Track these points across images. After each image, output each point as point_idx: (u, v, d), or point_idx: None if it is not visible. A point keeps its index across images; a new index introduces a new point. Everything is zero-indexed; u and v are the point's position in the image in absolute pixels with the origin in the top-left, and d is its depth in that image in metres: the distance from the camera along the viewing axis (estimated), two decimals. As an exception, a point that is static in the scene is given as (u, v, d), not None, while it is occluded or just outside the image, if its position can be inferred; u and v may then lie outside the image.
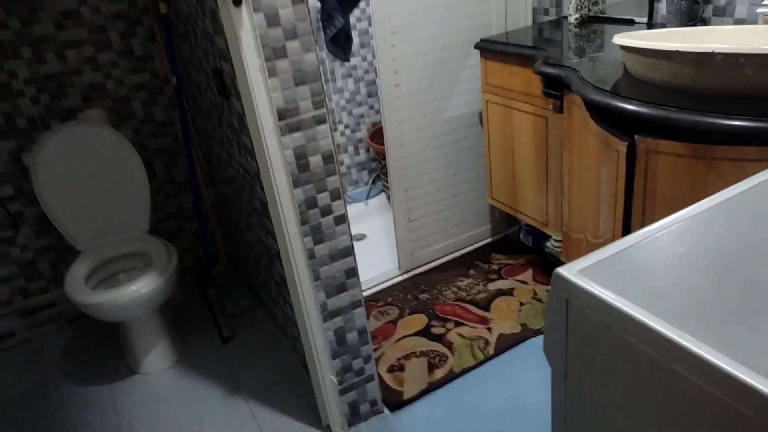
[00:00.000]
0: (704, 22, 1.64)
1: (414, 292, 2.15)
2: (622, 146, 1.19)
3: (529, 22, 2.21)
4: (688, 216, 0.66)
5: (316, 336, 1.43)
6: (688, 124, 1.04)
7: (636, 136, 1.16)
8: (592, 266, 0.61)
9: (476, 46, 2.00)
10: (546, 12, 2.18)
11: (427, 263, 2.34)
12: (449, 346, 1.83)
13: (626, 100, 1.14)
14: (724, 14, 1.60)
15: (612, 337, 0.56)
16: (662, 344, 0.49)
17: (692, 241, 0.62)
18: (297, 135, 1.23)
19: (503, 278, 2.15)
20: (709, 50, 1.04)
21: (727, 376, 0.43)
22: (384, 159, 2.24)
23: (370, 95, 2.98)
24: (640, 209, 1.22)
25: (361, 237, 2.63)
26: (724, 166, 1.04)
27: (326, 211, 1.33)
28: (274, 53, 1.15)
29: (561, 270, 0.61)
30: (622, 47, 1.26)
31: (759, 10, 1.34)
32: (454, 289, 2.13)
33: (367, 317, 2.02)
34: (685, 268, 0.58)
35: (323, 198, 1.31)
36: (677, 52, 1.09)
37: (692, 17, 1.60)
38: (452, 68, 2.11)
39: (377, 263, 2.37)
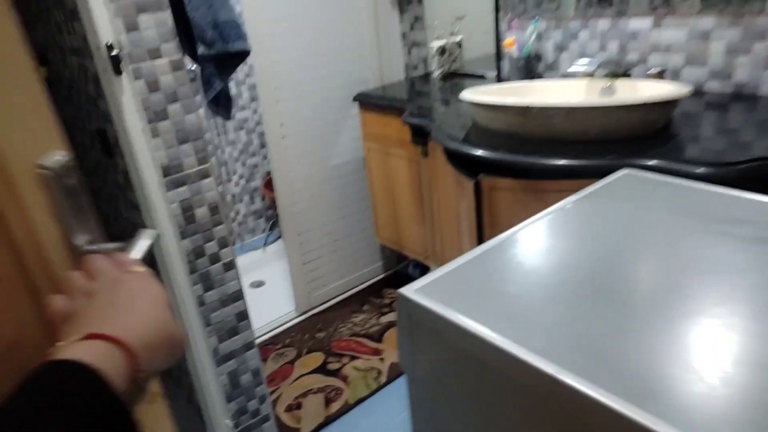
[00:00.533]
0: (539, 76, 1.93)
1: (311, 332, 2.24)
2: (469, 184, 1.39)
3: (402, 77, 2.45)
4: (507, 238, 0.84)
5: (210, 381, 1.49)
6: (517, 165, 1.25)
7: (480, 176, 1.36)
8: (429, 284, 0.76)
9: (355, 99, 2.19)
10: (416, 68, 2.44)
11: (323, 303, 2.44)
12: (344, 379, 1.94)
13: (470, 146, 1.35)
14: (553, 69, 1.91)
15: (442, 342, 0.70)
16: (479, 343, 0.62)
17: (508, 257, 0.79)
18: (182, 189, 1.32)
19: (394, 311, 2.30)
20: (527, 104, 1.27)
21: (522, 362, 0.59)
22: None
23: (262, 146, 3.10)
24: (489, 237, 1.42)
25: (260, 284, 2.70)
26: (548, 197, 1.26)
27: (215, 259, 1.42)
28: (156, 116, 1.25)
29: (402, 290, 0.76)
30: (468, 101, 1.49)
31: (570, 69, 1.63)
32: (350, 325, 2.25)
33: (265, 360, 2.08)
34: (499, 279, 0.74)
35: (211, 247, 1.40)
36: (505, 106, 1.32)
37: (529, 72, 1.89)
38: (335, 119, 2.28)
39: (276, 307, 2.44)
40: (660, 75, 1.53)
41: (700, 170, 1.10)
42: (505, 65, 2.02)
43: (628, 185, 0.97)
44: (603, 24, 1.71)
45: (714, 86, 1.54)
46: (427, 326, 0.72)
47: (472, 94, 1.47)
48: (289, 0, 2.05)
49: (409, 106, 1.86)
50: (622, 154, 1.17)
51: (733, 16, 1.45)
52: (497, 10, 1.98)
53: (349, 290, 2.51)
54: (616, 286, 0.67)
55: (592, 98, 1.53)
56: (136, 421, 0.37)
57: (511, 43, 1.89)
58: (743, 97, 1.47)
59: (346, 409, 1.80)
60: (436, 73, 2.24)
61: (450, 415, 0.76)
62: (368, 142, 2.19)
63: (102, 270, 0.47)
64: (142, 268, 0.49)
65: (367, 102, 2.13)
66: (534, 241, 0.81)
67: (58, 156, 0.54)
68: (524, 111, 1.28)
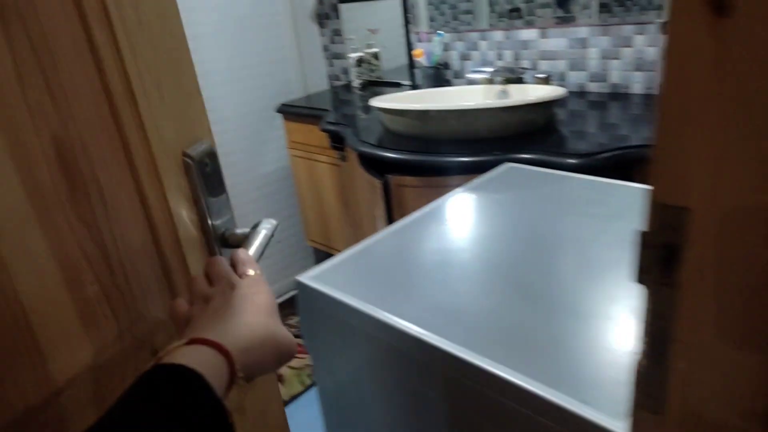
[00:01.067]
0: (448, 83, 2.09)
1: (247, 336, 2.30)
2: (379, 184, 1.52)
3: (326, 86, 2.56)
4: (398, 228, 0.95)
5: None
6: (419, 163, 1.39)
7: (387, 175, 1.49)
8: (324, 271, 0.86)
9: (278, 110, 2.29)
10: (338, 78, 2.56)
11: (259, 308, 2.51)
12: (280, 378, 2.02)
13: (378, 149, 1.47)
14: (459, 77, 2.07)
15: (335, 321, 0.79)
16: (364, 318, 0.71)
17: (396, 244, 0.90)
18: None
19: (328, 311, 2.39)
20: (425, 108, 1.40)
21: (401, 332, 0.69)
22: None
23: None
24: (403, 232, 1.55)
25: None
26: (447, 191, 1.40)
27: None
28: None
29: (299, 276, 0.86)
30: (376, 107, 1.61)
31: (473, 76, 1.79)
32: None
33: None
34: (387, 263, 0.85)
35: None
36: (406, 110, 1.46)
37: (439, 79, 2.05)
38: (261, 129, 2.37)
39: (212, 315, 2.48)
40: (546, 80, 1.71)
41: (572, 161, 1.26)
42: (418, 74, 2.16)
43: (509, 177, 1.11)
44: (498, 35, 1.89)
45: (594, 87, 1.73)
46: (321, 308, 0.82)
47: (380, 101, 1.60)
48: (209, 20, 2.13)
49: (331, 115, 1.97)
50: (507, 150, 1.32)
51: (602, 26, 1.65)
52: (407, 23, 2.13)
53: (283, 294, 2.59)
54: (493, 262, 0.80)
55: (486, 101, 1.69)
56: (233, 424, 0.38)
57: (420, 54, 2.03)
58: (619, 95, 1.67)
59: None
60: (356, 83, 2.37)
61: (349, 384, 0.86)
62: (293, 150, 2.29)
63: (220, 274, 0.49)
64: (255, 271, 0.51)
65: (289, 112, 2.23)
66: (420, 229, 0.94)
67: (204, 145, 0.59)
68: (422, 115, 1.42)
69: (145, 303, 0.53)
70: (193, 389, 0.36)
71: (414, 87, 2.18)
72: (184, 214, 0.57)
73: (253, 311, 0.45)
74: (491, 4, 1.87)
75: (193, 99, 0.59)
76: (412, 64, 2.17)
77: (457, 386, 0.61)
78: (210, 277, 0.50)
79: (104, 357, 0.48)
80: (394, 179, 1.48)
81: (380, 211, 1.61)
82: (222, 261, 0.52)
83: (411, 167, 1.43)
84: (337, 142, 1.91)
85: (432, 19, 2.07)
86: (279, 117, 2.39)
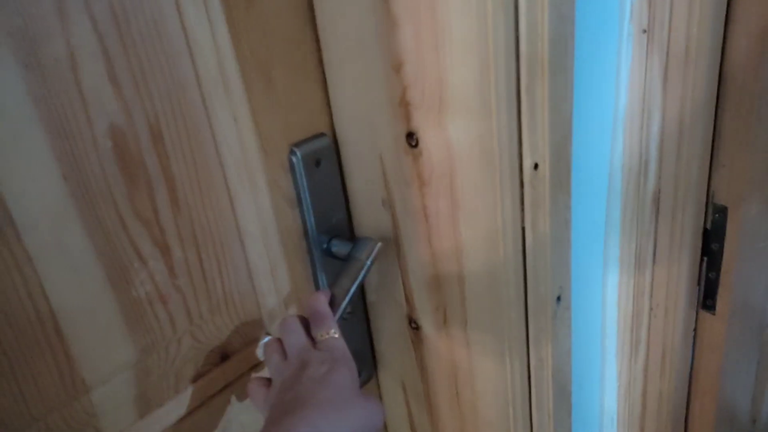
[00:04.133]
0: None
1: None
2: None
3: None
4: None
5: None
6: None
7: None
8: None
9: None
10: None
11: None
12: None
13: None
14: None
15: None
16: None
17: None
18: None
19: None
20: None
21: None
22: None
23: None
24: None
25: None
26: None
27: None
28: None
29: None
30: None
31: None
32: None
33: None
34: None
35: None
36: None
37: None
38: None
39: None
40: None
41: None
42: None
43: None
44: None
45: None
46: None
47: None
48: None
49: None
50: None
51: None
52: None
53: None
54: None
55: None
56: None
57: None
58: None
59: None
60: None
61: None
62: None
63: (293, 344, 0.46)
64: (334, 334, 0.46)
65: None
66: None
67: (319, 140, 0.53)
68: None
69: (217, 307, 0.50)
70: None
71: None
72: (279, 215, 0.52)
73: (329, 400, 0.41)
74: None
75: (312, 87, 0.52)
76: None
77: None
78: (284, 342, 0.47)
79: (152, 358, 0.46)
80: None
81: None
82: (295, 323, 0.48)
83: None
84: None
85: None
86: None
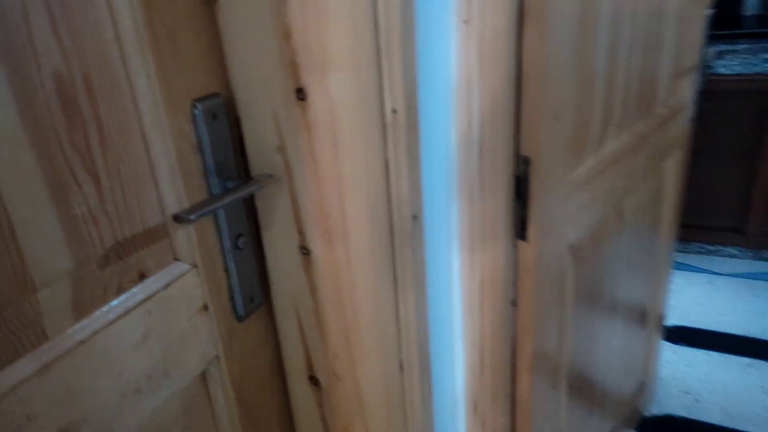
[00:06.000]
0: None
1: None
2: None
3: None
4: None
5: None
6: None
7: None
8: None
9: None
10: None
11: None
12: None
13: None
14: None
15: None
16: None
17: None
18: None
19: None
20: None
21: None
22: None
23: None
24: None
25: None
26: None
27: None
28: None
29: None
30: None
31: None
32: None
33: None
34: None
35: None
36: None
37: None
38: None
39: None
40: None
41: None
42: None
43: None
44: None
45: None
46: None
47: None
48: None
49: None
50: None
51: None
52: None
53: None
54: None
55: None
56: None
57: None
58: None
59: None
60: None
61: None
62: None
63: None
64: None
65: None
66: None
67: (216, 98, 0.63)
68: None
69: (136, 232, 0.59)
70: None
71: None
72: (183, 157, 0.62)
73: None
74: None
75: (211, 51, 0.63)
76: None
77: None
78: None
79: (86, 270, 0.54)
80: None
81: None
82: None
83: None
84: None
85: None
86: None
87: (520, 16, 0.76)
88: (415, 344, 0.77)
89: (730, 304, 2.33)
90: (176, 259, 0.64)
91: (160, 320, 0.62)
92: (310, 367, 0.77)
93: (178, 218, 0.57)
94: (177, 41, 0.59)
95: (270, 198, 0.68)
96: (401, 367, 0.77)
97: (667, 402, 1.88)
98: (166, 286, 0.62)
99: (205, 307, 0.67)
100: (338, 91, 0.59)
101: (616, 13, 0.99)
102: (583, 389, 1.31)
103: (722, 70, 2.33)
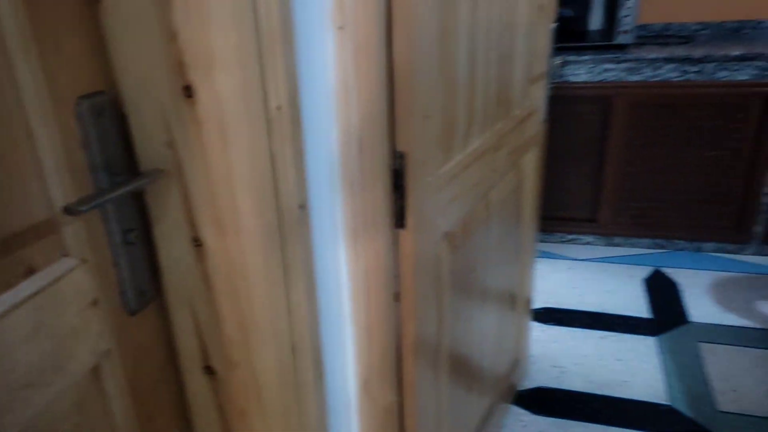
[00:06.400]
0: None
1: None
2: None
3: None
4: None
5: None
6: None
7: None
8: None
9: None
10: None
11: None
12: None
13: None
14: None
15: None
16: None
17: None
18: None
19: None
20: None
21: None
22: None
23: None
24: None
25: None
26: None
27: None
28: None
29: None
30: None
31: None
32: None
33: None
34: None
35: None
36: None
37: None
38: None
39: None
40: None
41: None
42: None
43: None
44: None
45: None
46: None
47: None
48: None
49: None
50: None
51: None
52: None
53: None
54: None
55: None
56: None
57: None
58: None
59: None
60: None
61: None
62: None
63: None
64: None
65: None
66: None
67: (103, 96, 0.65)
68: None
69: (25, 228, 0.59)
70: None
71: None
72: (70, 153, 0.63)
73: None
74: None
75: (96, 51, 0.65)
76: None
77: None
78: None
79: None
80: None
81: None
82: None
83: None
84: None
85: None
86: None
87: (389, 24, 0.85)
88: (305, 327, 0.82)
89: (588, 286, 2.63)
90: (65, 255, 0.65)
91: (50, 315, 0.62)
92: (205, 357, 0.80)
93: (68, 210, 0.58)
94: (60, 41, 0.60)
95: (160, 192, 0.71)
96: (293, 349, 0.82)
97: (538, 376, 2.09)
98: (55, 281, 0.63)
99: (96, 302, 0.68)
100: (224, 88, 0.64)
101: (473, 25, 1.12)
102: (463, 368, 1.43)
103: (571, 78, 2.63)
